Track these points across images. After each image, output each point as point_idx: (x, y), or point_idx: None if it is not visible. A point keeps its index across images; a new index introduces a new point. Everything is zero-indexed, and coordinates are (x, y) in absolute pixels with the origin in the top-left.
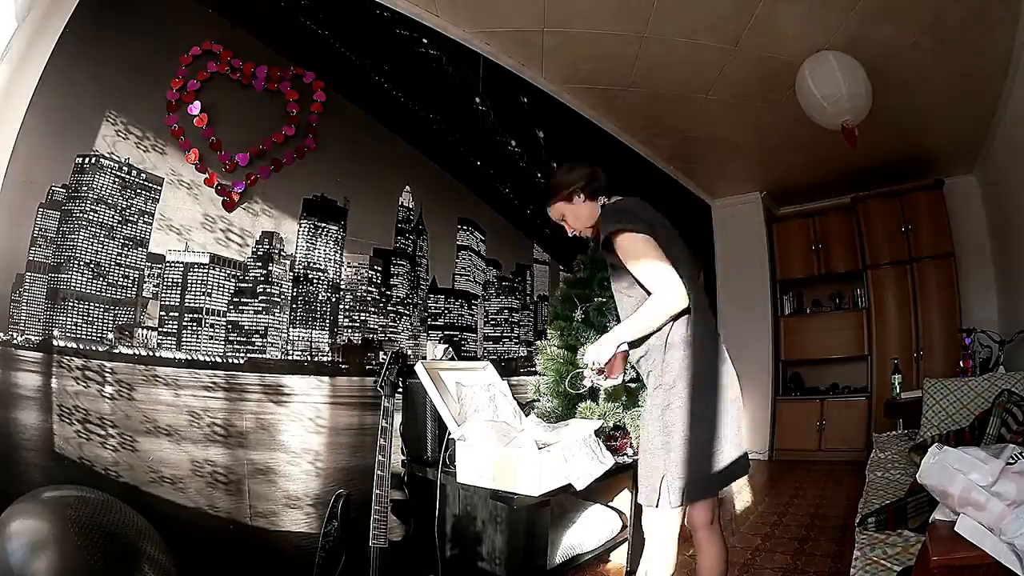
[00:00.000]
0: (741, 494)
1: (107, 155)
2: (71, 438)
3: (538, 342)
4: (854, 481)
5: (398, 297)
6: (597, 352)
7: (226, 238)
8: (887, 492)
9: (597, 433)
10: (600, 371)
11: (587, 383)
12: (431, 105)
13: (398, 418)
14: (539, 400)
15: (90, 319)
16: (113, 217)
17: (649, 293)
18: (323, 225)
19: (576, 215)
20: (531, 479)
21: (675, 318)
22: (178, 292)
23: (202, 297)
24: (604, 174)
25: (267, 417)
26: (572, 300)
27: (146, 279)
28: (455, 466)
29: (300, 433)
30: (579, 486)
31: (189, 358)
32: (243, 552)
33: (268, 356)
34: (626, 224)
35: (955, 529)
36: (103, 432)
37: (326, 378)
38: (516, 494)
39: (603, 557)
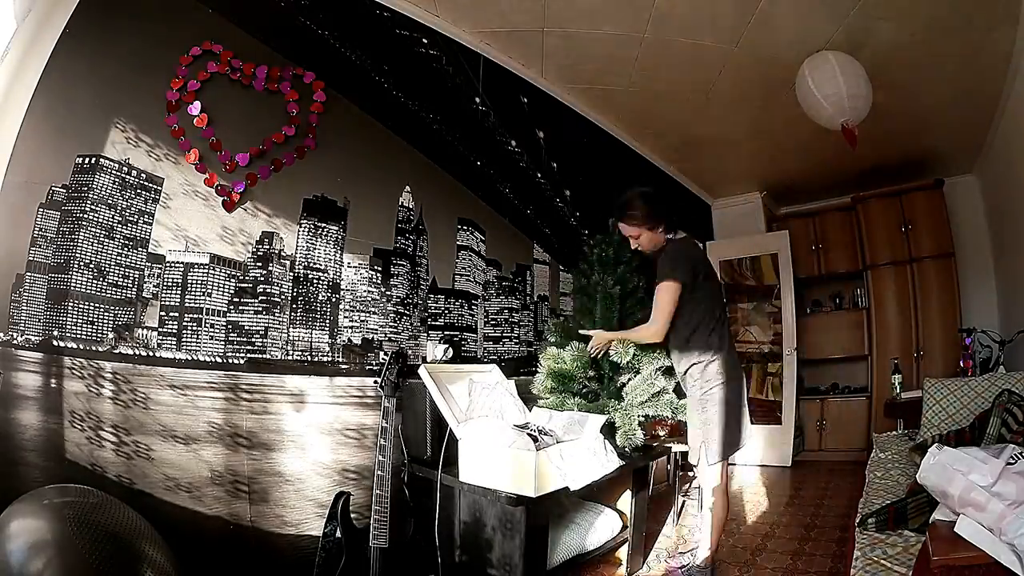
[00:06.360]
0: (742, 494)
1: (112, 158)
2: (73, 439)
3: (545, 342)
4: (854, 481)
5: (398, 297)
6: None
7: (227, 238)
8: (887, 492)
9: (602, 430)
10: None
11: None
12: (431, 105)
13: (398, 418)
14: (540, 400)
15: (90, 319)
16: (113, 217)
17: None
18: (323, 225)
19: (651, 241)
20: (529, 479)
21: (714, 352)
22: (178, 292)
23: (202, 297)
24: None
25: (267, 417)
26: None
27: (146, 279)
28: (456, 466)
29: (300, 433)
30: (574, 487)
31: (188, 358)
32: (243, 552)
33: (268, 356)
34: (671, 275)
35: (955, 529)
36: (105, 433)
37: (326, 378)
38: (516, 494)
39: (604, 557)
